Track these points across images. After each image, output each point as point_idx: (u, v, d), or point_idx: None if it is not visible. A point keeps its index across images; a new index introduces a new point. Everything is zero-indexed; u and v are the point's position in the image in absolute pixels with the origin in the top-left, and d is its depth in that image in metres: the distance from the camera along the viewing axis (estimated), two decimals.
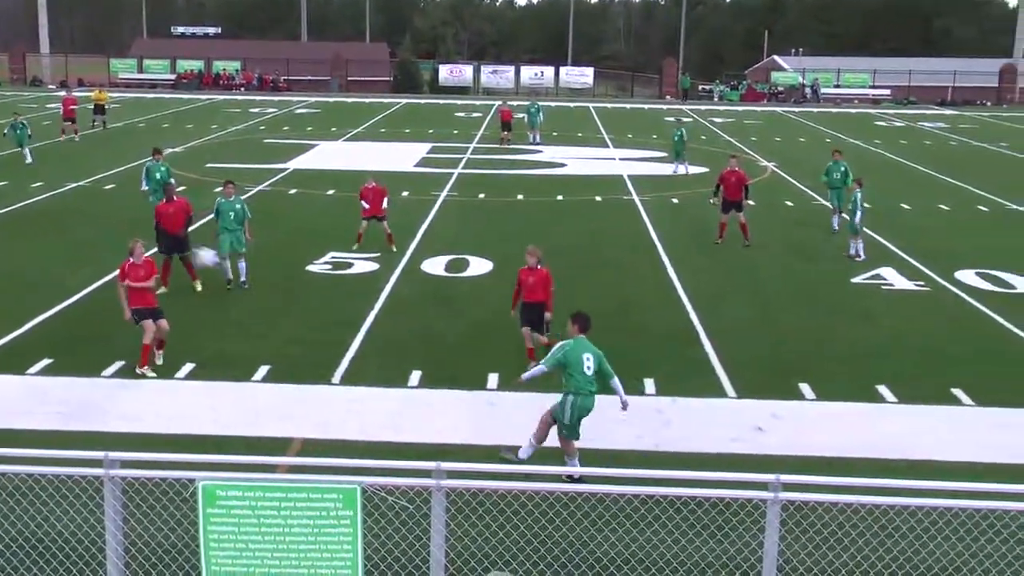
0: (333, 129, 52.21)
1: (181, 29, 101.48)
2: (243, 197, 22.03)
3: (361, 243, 23.64)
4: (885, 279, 22.45)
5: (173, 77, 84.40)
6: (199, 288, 20.07)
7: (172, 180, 24.07)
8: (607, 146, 47.75)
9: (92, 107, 50.02)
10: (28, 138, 37.79)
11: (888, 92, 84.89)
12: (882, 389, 15.48)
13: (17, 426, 13.57)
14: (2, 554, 9.68)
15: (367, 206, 23.61)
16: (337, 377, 15.77)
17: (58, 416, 13.99)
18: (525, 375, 12.78)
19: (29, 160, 37.03)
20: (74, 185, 32.79)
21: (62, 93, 61.68)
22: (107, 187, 32.72)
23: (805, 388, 15.51)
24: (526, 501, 10.78)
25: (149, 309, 15.88)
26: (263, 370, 15.92)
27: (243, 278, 20.69)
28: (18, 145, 37.63)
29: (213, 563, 8.40)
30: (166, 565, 9.36)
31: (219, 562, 8.40)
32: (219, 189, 21.01)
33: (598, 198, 32.56)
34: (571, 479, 11.38)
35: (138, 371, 15.68)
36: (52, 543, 9.56)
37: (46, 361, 16.17)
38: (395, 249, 23.82)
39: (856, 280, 22.30)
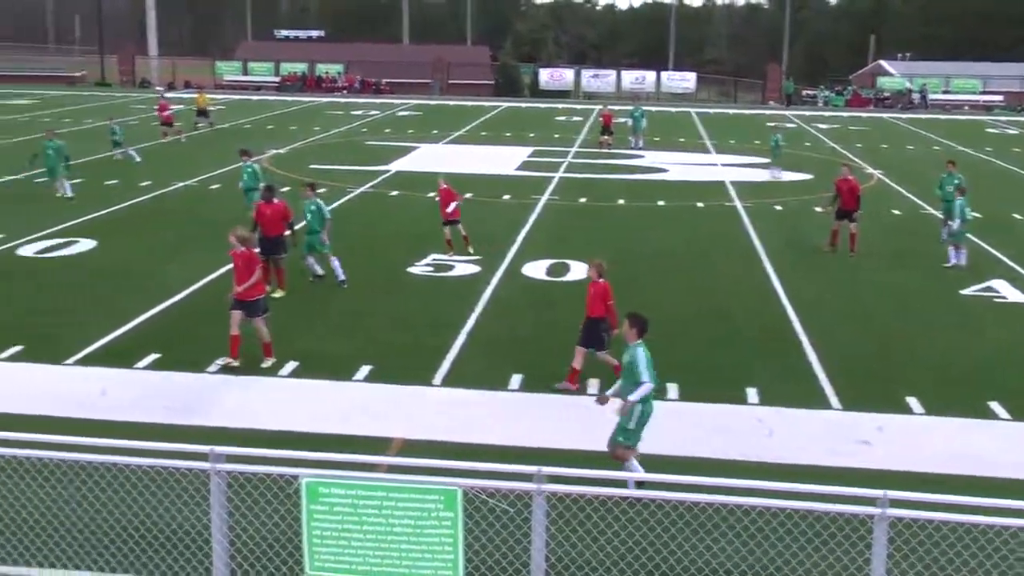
0: (434, 132, 52.58)
1: (285, 32, 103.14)
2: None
3: (452, 248, 23.78)
4: (997, 291, 21.82)
5: (277, 79, 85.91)
6: (277, 295, 19.93)
7: (262, 183, 24.36)
8: (709, 151, 47.29)
9: (195, 111, 51.14)
10: (117, 141, 38.89)
11: (1001, 98, 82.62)
12: (994, 405, 15.03)
13: (126, 419, 13.89)
14: (114, 542, 9.89)
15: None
16: (438, 378, 15.84)
17: (165, 410, 14.29)
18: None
19: (137, 159, 38.13)
20: (181, 185, 33.51)
21: (168, 95, 63.24)
22: (213, 187, 33.37)
23: (913, 401, 15.13)
24: (627, 508, 10.70)
25: (243, 302, 16.16)
26: (364, 370, 16.06)
27: (341, 277, 20.92)
28: (114, 147, 38.77)
29: (316, 559, 8.49)
30: (270, 559, 9.47)
31: (322, 558, 8.49)
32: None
33: (700, 204, 32.25)
34: (639, 484, 11.16)
35: (222, 361, 16.13)
36: (160, 533, 9.75)
37: (153, 356, 16.53)
38: (471, 251, 23.88)
39: (966, 292, 21.71)
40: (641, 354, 11.78)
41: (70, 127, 48.78)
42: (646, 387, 11.68)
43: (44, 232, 25.56)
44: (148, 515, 10.15)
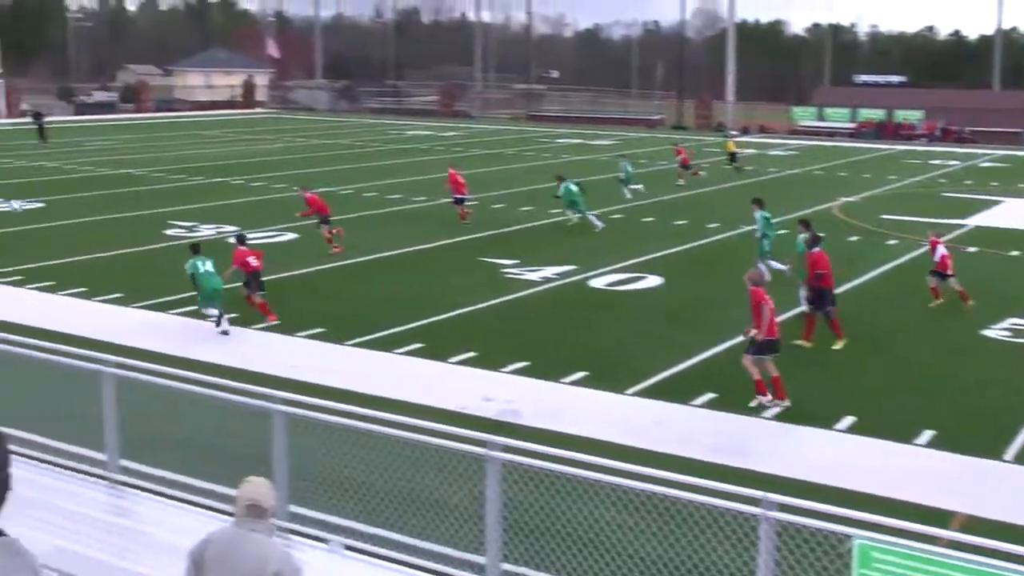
0: (1021, 185, 48.83)
1: (864, 78, 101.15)
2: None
3: (968, 304, 22.46)
4: None
5: (852, 126, 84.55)
6: (837, 346, 19.48)
7: (762, 234, 25.74)
8: None
9: (728, 155, 52.71)
10: (627, 179, 40.20)
11: None
12: None
13: (673, 452, 14.21)
14: (650, 569, 10.07)
15: None
16: (1010, 454, 14.54)
17: (712, 449, 14.39)
18: None
19: (628, 196, 39.34)
20: (747, 228, 33.78)
21: (741, 139, 64.96)
22: (782, 232, 33.34)
23: None
24: None
25: (756, 343, 16.36)
26: (927, 435, 15.13)
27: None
28: (625, 184, 40.09)
29: None
30: None
31: None
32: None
33: None
34: None
35: (768, 402, 16.25)
36: (706, 571, 9.79)
37: (709, 395, 16.78)
38: (970, 304, 22.32)
39: None
40: None
41: (643, 168, 51.14)
42: None
43: (614, 266, 27.01)
44: (695, 551, 10.21)
